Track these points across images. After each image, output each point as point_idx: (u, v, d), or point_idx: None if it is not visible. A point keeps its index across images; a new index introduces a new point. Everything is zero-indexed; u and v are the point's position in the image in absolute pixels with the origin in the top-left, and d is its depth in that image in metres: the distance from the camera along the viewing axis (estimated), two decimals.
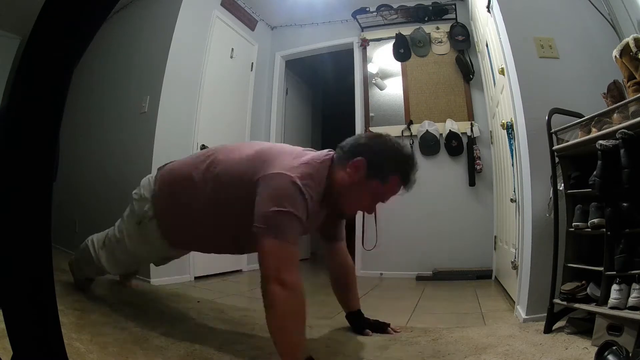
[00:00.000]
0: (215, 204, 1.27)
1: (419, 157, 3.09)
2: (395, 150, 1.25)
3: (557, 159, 1.54)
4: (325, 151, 1.28)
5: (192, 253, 2.51)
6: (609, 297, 1.21)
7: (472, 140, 2.96)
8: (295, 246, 1.08)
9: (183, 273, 2.49)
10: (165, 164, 1.48)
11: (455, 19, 3.18)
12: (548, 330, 1.42)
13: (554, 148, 1.53)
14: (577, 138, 1.43)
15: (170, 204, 1.38)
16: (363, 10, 3.28)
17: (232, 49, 3.14)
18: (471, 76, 3.06)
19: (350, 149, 1.24)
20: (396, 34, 3.27)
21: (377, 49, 3.39)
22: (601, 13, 1.70)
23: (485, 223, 2.86)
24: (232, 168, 1.25)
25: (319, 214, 1.27)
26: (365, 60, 3.39)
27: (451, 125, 3.03)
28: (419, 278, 2.83)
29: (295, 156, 1.20)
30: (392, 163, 1.23)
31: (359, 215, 3.16)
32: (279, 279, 1.01)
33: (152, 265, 2.20)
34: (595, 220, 1.31)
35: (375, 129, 3.22)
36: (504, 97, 2.15)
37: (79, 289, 1.65)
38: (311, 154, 1.23)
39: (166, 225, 1.40)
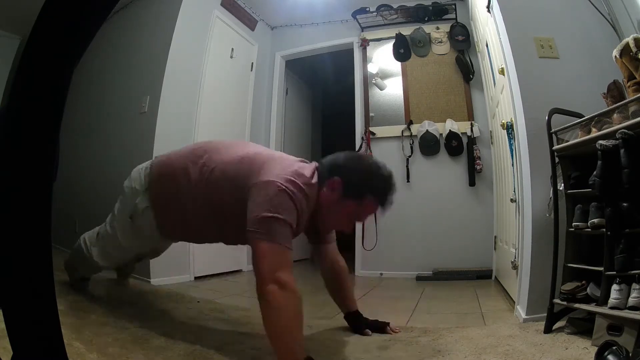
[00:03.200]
0: (209, 202, 1.30)
1: (419, 157, 3.10)
2: (372, 170, 1.28)
3: (557, 159, 1.54)
4: (313, 164, 1.32)
5: (192, 253, 2.52)
6: (609, 297, 1.21)
7: (472, 140, 2.96)
8: (288, 249, 1.11)
9: (183, 273, 2.49)
10: (156, 157, 1.52)
11: (455, 19, 3.18)
12: (548, 330, 1.42)
13: (554, 148, 1.53)
14: (577, 138, 1.43)
15: (164, 197, 1.40)
16: (363, 10, 3.28)
17: (232, 49, 3.14)
18: (471, 76, 3.06)
19: (329, 168, 1.27)
20: (396, 34, 3.27)
21: (377, 49, 3.39)
22: (601, 13, 1.70)
23: (485, 223, 2.86)
24: (226, 169, 1.27)
25: (307, 223, 1.31)
26: (365, 60, 3.39)
27: (451, 125, 3.03)
28: (419, 278, 2.83)
29: (288, 165, 1.23)
30: (368, 184, 1.25)
31: None
32: (276, 279, 1.03)
33: (151, 264, 2.21)
34: (595, 220, 1.31)
35: (375, 129, 3.23)
36: (504, 97, 2.15)
37: (76, 290, 1.66)
38: (303, 169, 1.26)
39: (160, 217, 1.42)
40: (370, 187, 1.25)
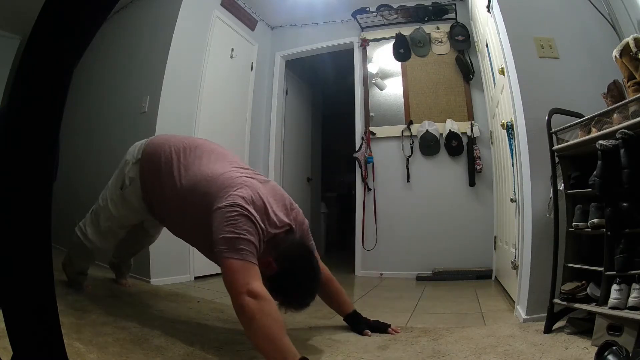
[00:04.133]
0: (182, 203, 1.37)
1: (419, 157, 3.10)
2: (299, 284, 1.25)
3: (557, 159, 1.54)
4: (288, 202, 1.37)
5: (192, 253, 2.52)
6: (609, 297, 1.21)
7: (472, 140, 2.96)
8: (254, 264, 1.15)
9: (183, 273, 2.49)
10: (157, 135, 1.61)
11: (455, 19, 3.18)
12: (548, 330, 1.42)
13: (554, 148, 1.53)
14: (577, 138, 1.43)
15: (149, 173, 1.48)
16: (363, 10, 3.28)
17: (232, 49, 3.14)
18: (471, 76, 3.06)
19: (281, 247, 1.26)
20: (396, 34, 3.27)
21: (377, 49, 3.39)
22: (601, 13, 1.70)
23: (485, 223, 2.86)
24: (198, 184, 1.33)
25: None
26: (365, 60, 3.39)
27: (451, 125, 3.03)
28: (419, 278, 2.83)
29: (254, 187, 1.27)
30: (288, 290, 1.23)
31: (358, 214, 3.17)
32: (248, 291, 1.07)
33: (151, 263, 2.21)
34: (595, 220, 1.31)
35: (375, 129, 3.23)
36: (504, 97, 2.15)
37: (74, 288, 1.66)
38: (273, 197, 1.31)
39: (144, 188, 1.50)
40: (287, 292, 1.23)
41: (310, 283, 1.29)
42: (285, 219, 1.32)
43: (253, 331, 1.06)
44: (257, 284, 1.10)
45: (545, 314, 1.44)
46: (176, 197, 1.38)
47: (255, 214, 1.19)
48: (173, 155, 1.44)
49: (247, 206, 1.18)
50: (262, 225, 1.21)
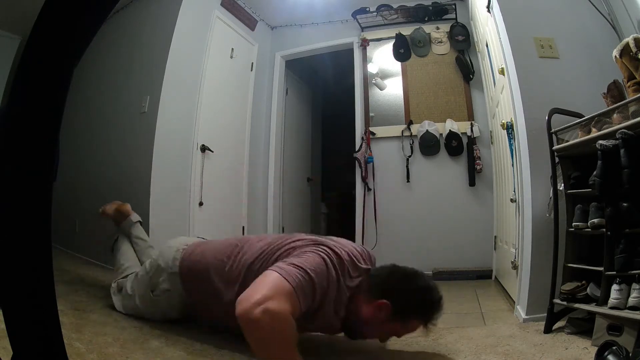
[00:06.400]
0: (244, 282, 1.21)
1: (419, 157, 3.10)
2: (424, 295, 1.21)
3: (557, 159, 1.54)
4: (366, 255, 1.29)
5: None
6: (609, 297, 1.21)
7: (472, 140, 2.96)
8: (298, 299, 0.99)
9: None
10: (191, 245, 1.47)
11: (455, 19, 3.18)
12: (548, 330, 1.42)
13: (554, 148, 1.53)
14: (577, 138, 1.43)
15: (197, 286, 1.35)
16: (363, 10, 3.28)
17: (232, 49, 3.14)
18: (471, 76, 3.06)
19: (380, 285, 1.20)
20: (396, 34, 3.27)
21: (377, 49, 3.39)
22: (601, 13, 1.70)
23: (485, 223, 2.86)
24: (262, 248, 1.25)
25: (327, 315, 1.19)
26: (365, 60, 3.39)
27: (451, 125, 3.03)
28: None
29: (341, 242, 1.22)
30: (418, 309, 1.19)
31: (359, 214, 3.17)
32: (268, 308, 0.92)
33: None
34: (595, 220, 1.31)
35: (375, 129, 3.23)
36: (504, 97, 2.15)
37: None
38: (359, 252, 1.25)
39: (191, 301, 1.39)
40: (419, 312, 1.19)
41: (431, 290, 1.22)
42: (365, 265, 1.25)
43: (259, 345, 0.96)
44: (283, 306, 0.94)
45: (545, 314, 1.44)
46: (236, 278, 1.25)
47: (336, 265, 1.11)
48: (221, 254, 1.32)
49: (330, 253, 1.12)
50: (339, 278, 1.13)
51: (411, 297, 1.19)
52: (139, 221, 1.82)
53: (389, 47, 3.31)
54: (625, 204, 1.17)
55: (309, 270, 1.05)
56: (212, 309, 1.34)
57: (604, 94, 1.42)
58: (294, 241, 1.22)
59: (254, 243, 1.32)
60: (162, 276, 1.41)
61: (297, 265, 1.05)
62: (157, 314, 1.43)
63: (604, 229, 1.26)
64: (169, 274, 1.39)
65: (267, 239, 1.32)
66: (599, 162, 1.23)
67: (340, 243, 1.24)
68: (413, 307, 1.18)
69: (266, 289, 0.96)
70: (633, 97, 1.21)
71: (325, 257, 1.12)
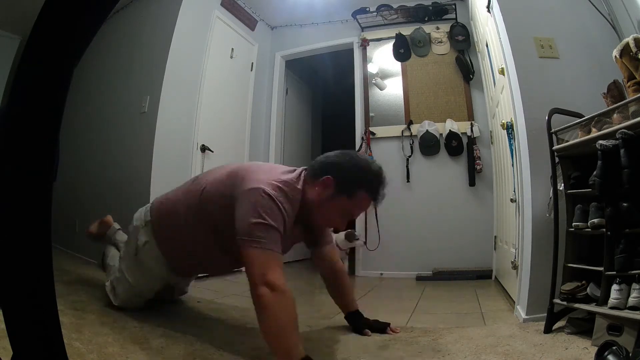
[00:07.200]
0: (206, 220, 1.34)
1: (419, 157, 3.10)
2: (363, 166, 1.29)
3: (557, 159, 1.54)
4: (299, 169, 1.35)
5: None
6: (609, 297, 1.21)
7: (472, 140, 2.96)
8: (277, 253, 1.13)
9: None
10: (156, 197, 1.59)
11: (455, 19, 3.18)
12: (548, 330, 1.42)
13: (554, 148, 1.53)
14: (577, 138, 1.43)
15: (164, 227, 1.46)
16: (363, 10, 3.28)
17: (232, 49, 3.14)
18: (471, 76, 3.06)
19: (320, 167, 1.30)
20: (396, 34, 3.27)
21: (377, 49, 3.39)
22: (601, 13, 1.70)
23: (485, 223, 2.86)
24: (214, 185, 1.34)
25: (295, 229, 1.32)
26: (365, 60, 3.39)
27: (451, 125, 3.03)
28: (419, 278, 2.83)
29: (272, 174, 1.26)
30: (359, 179, 1.27)
31: (360, 215, 3.16)
32: (267, 282, 1.06)
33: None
34: (595, 220, 1.31)
35: (375, 129, 3.23)
36: (504, 97, 2.15)
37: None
38: (286, 175, 1.29)
39: (162, 246, 1.46)
40: (362, 183, 1.27)
41: (368, 162, 1.31)
42: (300, 169, 1.35)
43: (264, 323, 1.06)
44: (276, 276, 1.08)
45: (545, 314, 1.44)
46: (198, 218, 1.35)
47: (275, 193, 1.17)
48: (184, 192, 1.43)
49: (264, 187, 1.17)
50: (285, 206, 1.19)
51: (351, 168, 1.27)
52: (119, 228, 1.89)
53: (389, 47, 3.31)
54: (625, 204, 1.17)
55: (269, 221, 1.13)
56: (183, 249, 1.43)
57: (604, 94, 1.42)
58: (239, 182, 1.24)
59: (206, 175, 1.43)
60: (139, 232, 1.49)
61: (258, 223, 1.12)
62: (148, 279, 1.49)
63: (604, 229, 1.26)
64: (143, 226, 1.48)
65: (216, 173, 1.39)
66: (599, 162, 1.23)
67: (267, 172, 1.27)
68: (355, 178, 1.26)
69: (256, 267, 1.09)
70: (633, 97, 1.21)
71: (270, 195, 1.16)
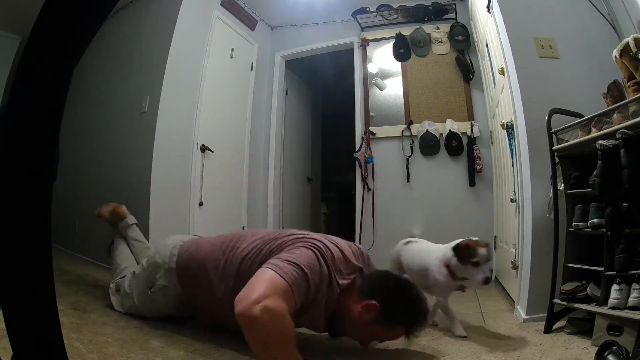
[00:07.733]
0: (236, 286, 1.18)
1: (419, 157, 3.09)
2: (413, 304, 1.22)
3: (557, 159, 1.54)
4: (359, 268, 1.27)
5: None
6: (609, 297, 1.21)
7: (472, 140, 2.96)
8: (294, 296, 1.00)
9: None
10: (186, 241, 1.48)
11: (455, 19, 3.17)
12: (548, 330, 1.42)
13: (554, 148, 1.53)
14: (577, 138, 1.43)
15: (193, 281, 1.36)
16: (363, 10, 3.28)
17: (232, 49, 3.14)
18: (471, 76, 3.06)
19: (372, 286, 1.21)
20: (396, 34, 3.27)
21: (377, 49, 3.38)
22: (601, 13, 1.70)
23: (485, 223, 2.86)
24: (256, 244, 1.26)
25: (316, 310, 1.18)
26: (365, 60, 3.39)
27: (451, 125, 3.03)
28: None
29: (337, 240, 1.23)
30: (405, 316, 1.19)
31: (358, 215, 3.17)
32: (266, 307, 0.93)
33: None
34: (595, 220, 1.31)
35: (375, 129, 3.23)
36: (504, 97, 2.15)
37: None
38: (349, 254, 1.25)
39: (187, 297, 1.39)
40: (404, 320, 1.19)
41: (420, 300, 1.23)
42: (357, 263, 1.27)
43: (255, 340, 0.96)
44: (281, 304, 0.95)
45: (545, 314, 1.44)
46: (231, 273, 1.26)
47: (328, 261, 1.12)
48: (217, 249, 1.34)
49: (322, 248, 1.12)
50: (330, 274, 1.13)
51: (400, 303, 1.18)
52: (135, 223, 1.82)
53: (389, 47, 3.31)
54: (625, 204, 1.17)
55: (302, 266, 1.06)
56: (208, 305, 1.34)
57: (604, 94, 1.42)
58: (286, 236, 1.23)
59: (248, 237, 1.33)
60: (159, 272, 1.42)
61: (291, 261, 1.06)
62: (155, 311, 1.44)
63: (604, 229, 1.26)
64: (165, 270, 1.40)
65: (261, 233, 1.33)
66: (599, 162, 1.23)
67: (332, 240, 1.24)
68: (400, 313, 1.18)
69: (263, 287, 0.97)
70: (633, 97, 1.21)
71: (317, 252, 1.13)
